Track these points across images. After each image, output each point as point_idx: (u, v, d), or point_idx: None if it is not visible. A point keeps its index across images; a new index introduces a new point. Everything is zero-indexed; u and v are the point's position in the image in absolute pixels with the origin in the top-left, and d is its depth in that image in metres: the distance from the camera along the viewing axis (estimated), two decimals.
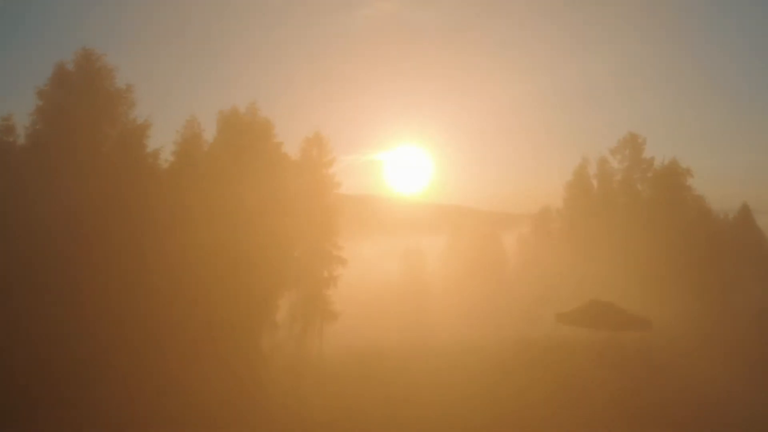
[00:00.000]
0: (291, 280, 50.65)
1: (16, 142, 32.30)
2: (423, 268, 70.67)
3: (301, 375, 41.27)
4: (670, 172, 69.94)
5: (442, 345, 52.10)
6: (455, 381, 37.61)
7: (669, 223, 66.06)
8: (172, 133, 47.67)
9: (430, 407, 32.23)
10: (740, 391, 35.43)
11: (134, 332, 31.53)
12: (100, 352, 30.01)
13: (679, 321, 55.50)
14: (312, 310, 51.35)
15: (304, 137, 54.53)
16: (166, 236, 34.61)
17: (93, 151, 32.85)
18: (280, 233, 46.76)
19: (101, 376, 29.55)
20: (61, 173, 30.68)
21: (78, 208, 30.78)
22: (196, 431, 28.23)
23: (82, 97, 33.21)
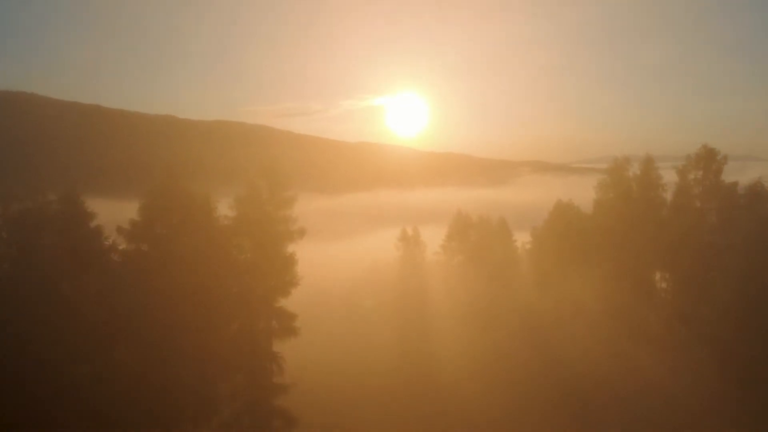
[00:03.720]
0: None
1: None
2: (422, 277, 61.28)
3: None
4: (755, 196, 57.40)
5: None
6: None
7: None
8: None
9: None
10: None
11: None
12: None
13: None
14: None
15: (252, 171, 42.09)
16: None
17: None
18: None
19: None
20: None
21: None
22: None
23: None
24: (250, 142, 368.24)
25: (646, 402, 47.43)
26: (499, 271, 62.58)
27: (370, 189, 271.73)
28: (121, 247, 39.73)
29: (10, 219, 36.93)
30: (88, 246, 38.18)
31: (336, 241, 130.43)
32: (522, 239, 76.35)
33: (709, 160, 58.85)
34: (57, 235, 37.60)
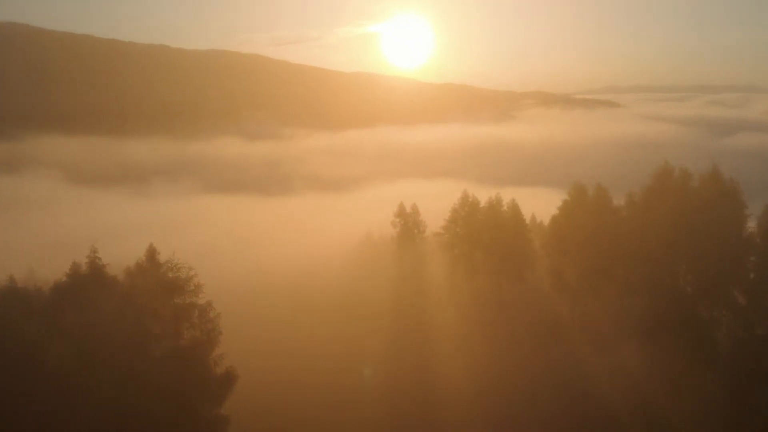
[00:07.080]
0: None
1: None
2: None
3: None
4: None
5: None
6: None
7: None
8: None
9: None
10: None
11: None
12: None
13: None
14: None
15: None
16: None
17: None
18: None
19: None
20: None
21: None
22: None
23: None
24: (246, 72, 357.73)
25: None
26: (510, 265, 53.63)
27: (370, 124, 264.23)
28: None
29: None
30: None
31: (334, 193, 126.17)
32: (534, 197, 72.19)
33: None
34: None
